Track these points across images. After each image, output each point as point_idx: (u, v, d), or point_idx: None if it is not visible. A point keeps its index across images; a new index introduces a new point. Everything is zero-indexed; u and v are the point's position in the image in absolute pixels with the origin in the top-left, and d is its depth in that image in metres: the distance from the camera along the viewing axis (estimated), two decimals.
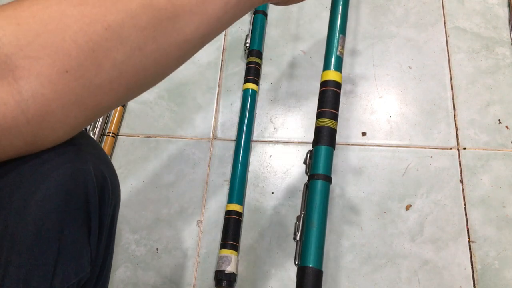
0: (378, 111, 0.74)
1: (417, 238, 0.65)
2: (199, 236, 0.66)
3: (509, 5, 0.82)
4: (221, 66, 0.79)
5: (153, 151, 0.72)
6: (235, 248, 0.63)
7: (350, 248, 0.64)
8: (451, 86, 0.75)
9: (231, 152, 0.71)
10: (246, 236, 0.66)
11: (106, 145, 0.71)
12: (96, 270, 0.34)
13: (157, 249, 0.65)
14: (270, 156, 0.71)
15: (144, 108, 0.76)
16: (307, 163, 0.48)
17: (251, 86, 0.75)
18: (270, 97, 0.76)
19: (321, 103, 0.48)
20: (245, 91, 0.75)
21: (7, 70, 0.24)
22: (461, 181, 0.68)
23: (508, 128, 0.72)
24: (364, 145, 0.71)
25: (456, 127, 0.72)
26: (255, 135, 0.73)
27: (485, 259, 0.63)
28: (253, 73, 0.76)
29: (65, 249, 0.29)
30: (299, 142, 0.72)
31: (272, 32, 0.82)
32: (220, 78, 0.78)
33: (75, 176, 0.29)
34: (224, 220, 0.66)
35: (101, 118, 0.73)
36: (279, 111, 0.75)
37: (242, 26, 0.83)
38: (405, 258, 0.64)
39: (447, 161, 0.70)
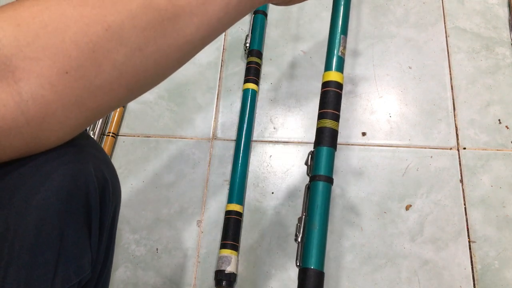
0: (378, 111, 0.74)
1: (417, 238, 0.65)
2: (199, 236, 0.66)
3: (509, 5, 0.82)
4: (221, 66, 0.79)
5: (153, 151, 0.72)
6: (235, 248, 0.63)
7: (350, 248, 0.64)
8: (451, 86, 0.75)
9: (231, 152, 0.71)
10: (246, 236, 0.66)
11: (106, 145, 0.71)
12: (97, 270, 0.34)
13: (157, 249, 0.65)
14: (270, 156, 0.71)
15: (144, 108, 0.76)
16: (309, 164, 0.47)
17: (251, 86, 0.75)
18: (270, 97, 0.76)
19: (322, 104, 0.48)
20: (245, 91, 0.75)
21: (6, 71, 0.24)
22: (461, 181, 0.69)
23: (508, 128, 0.72)
24: (364, 145, 0.71)
25: (456, 127, 0.72)
26: (255, 135, 0.73)
27: (485, 259, 0.63)
28: (253, 73, 0.76)
29: (66, 250, 0.29)
30: (299, 142, 0.72)
31: (272, 32, 0.82)
32: (220, 78, 0.78)
33: (76, 177, 0.29)
34: (224, 220, 0.66)
35: (101, 118, 0.73)
36: (279, 111, 0.75)
37: (242, 26, 0.83)
38: (405, 258, 0.64)
39: (447, 161, 0.70)
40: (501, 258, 0.63)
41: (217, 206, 0.68)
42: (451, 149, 0.71)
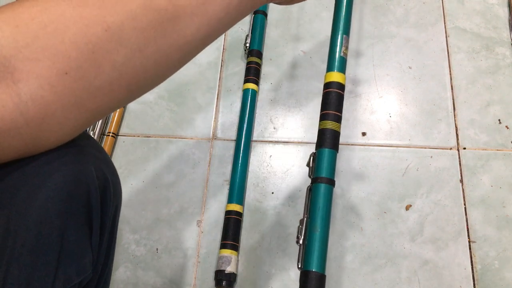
0: (378, 111, 0.74)
1: (417, 238, 0.65)
2: (199, 236, 0.66)
3: (509, 5, 0.82)
4: (221, 66, 0.79)
5: (153, 151, 0.72)
6: (235, 248, 0.63)
7: (350, 248, 0.64)
8: (451, 86, 0.75)
9: (231, 152, 0.71)
10: (246, 236, 0.66)
11: (106, 145, 0.71)
12: (98, 271, 0.34)
13: (157, 249, 0.65)
14: (270, 156, 0.71)
15: (144, 108, 0.76)
16: (310, 165, 0.47)
17: (251, 86, 0.75)
18: (270, 97, 0.76)
19: (324, 105, 0.48)
20: (245, 91, 0.75)
21: (5, 72, 0.24)
22: (461, 181, 0.69)
23: (508, 128, 0.72)
24: (364, 145, 0.71)
25: (456, 127, 0.72)
26: (255, 135, 0.73)
27: (485, 259, 0.63)
28: (253, 73, 0.76)
29: (67, 250, 0.29)
30: (299, 142, 0.72)
31: (272, 32, 0.82)
32: (220, 78, 0.78)
33: (77, 177, 0.29)
34: (224, 220, 0.66)
35: (101, 119, 0.73)
36: (279, 111, 0.75)
37: (242, 26, 0.83)
38: (405, 258, 0.64)
39: (447, 161, 0.70)
40: (501, 258, 0.63)
41: (217, 206, 0.68)
42: (451, 149, 0.71)
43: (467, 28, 0.80)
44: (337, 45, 0.49)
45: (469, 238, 0.65)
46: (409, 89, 0.76)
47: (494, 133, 0.71)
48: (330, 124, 0.47)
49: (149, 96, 0.77)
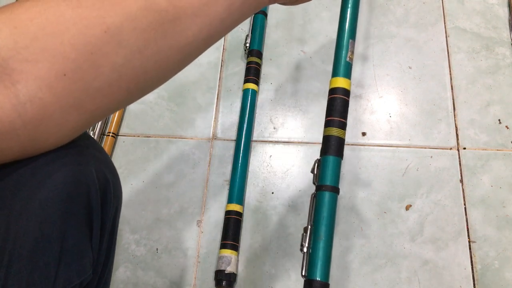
0: (378, 111, 0.74)
1: (417, 238, 0.65)
2: (199, 236, 0.66)
3: (509, 5, 0.82)
4: (221, 66, 0.79)
5: (153, 151, 0.72)
6: (235, 248, 0.63)
7: (350, 248, 0.64)
8: (451, 86, 0.75)
9: (231, 152, 0.71)
10: (246, 236, 0.66)
11: (106, 145, 0.71)
12: (98, 271, 0.34)
13: (157, 249, 0.65)
14: (270, 156, 0.71)
15: (144, 108, 0.76)
16: (315, 172, 0.47)
17: (251, 86, 0.75)
18: (270, 97, 0.76)
19: (329, 111, 0.48)
20: (245, 91, 0.75)
21: (4, 73, 0.24)
22: (461, 181, 0.69)
23: (508, 128, 0.72)
24: (364, 145, 0.71)
25: (456, 127, 0.72)
26: (255, 135, 0.73)
27: (485, 259, 0.63)
28: (253, 73, 0.76)
29: (67, 251, 0.29)
30: (299, 142, 0.72)
31: (272, 32, 0.82)
32: (220, 78, 0.78)
33: (77, 178, 0.29)
34: (224, 220, 0.66)
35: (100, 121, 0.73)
36: (279, 111, 0.75)
37: (242, 26, 0.83)
38: (405, 258, 0.64)
39: (447, 161, 0.70)
40: (501, 258, 0.63)
41: (217, 206, 0.68)
42: (451, 149, 0.71)
43: (467, 28, 0.80)
44: (343, 50, 0.48)
45: (469, 238, 0.65)
46: (409, 89, 0.76)
47: (494, 133, 0.71)
48: (335, 131, 0.47)
49: (149, 96, 0.77)
